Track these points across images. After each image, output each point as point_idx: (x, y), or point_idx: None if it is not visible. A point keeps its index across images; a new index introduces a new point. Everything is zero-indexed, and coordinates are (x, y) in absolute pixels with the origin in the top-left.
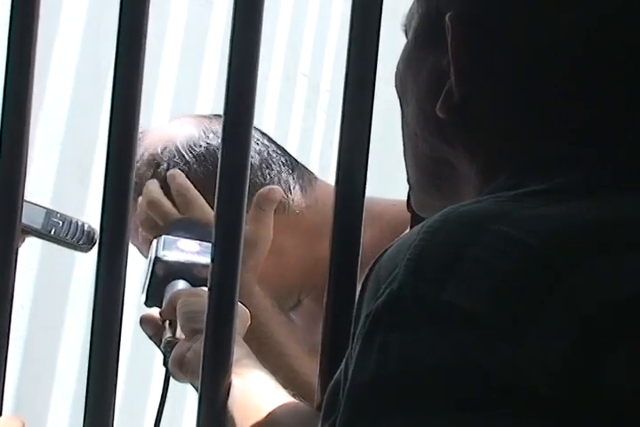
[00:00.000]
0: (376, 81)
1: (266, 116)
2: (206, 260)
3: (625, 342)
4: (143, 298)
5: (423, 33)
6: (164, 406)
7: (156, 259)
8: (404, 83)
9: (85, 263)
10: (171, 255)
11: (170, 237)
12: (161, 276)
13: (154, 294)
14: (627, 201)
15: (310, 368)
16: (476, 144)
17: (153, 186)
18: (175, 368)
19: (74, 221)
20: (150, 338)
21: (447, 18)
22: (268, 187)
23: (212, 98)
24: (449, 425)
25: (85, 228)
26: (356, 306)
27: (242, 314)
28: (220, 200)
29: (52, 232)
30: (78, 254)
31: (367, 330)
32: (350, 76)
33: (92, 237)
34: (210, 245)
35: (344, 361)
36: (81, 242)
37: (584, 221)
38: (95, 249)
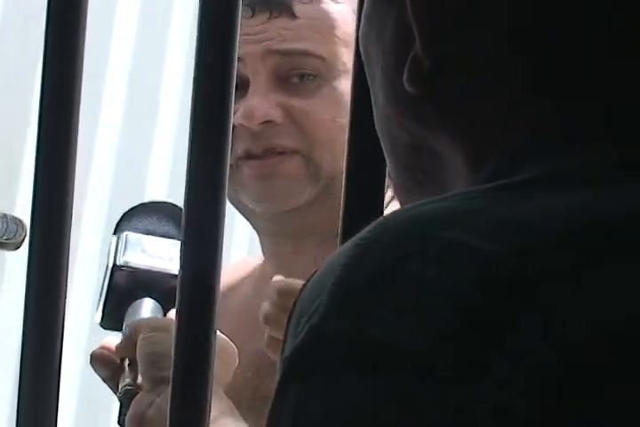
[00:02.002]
0: None
1: None
2: None
3: (613, 384)
4: (98, 317)
5: None
6: None
7: (115, 266)
8: (367, 48)
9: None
10: (135, 260)
11: (134, 234)
12: (121, 288)
13: (111, 313)
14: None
15: None
16: (458, 126)
17: None
18: None
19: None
20: (104, 381)
21: None
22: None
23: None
24: None
25: (9, 220)
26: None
27: (225, 353)
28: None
29: None
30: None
31: (280, 380)
32: None
33: (17, 232)
34: None
35: None
36: (4, 237)
37: (571, 221)
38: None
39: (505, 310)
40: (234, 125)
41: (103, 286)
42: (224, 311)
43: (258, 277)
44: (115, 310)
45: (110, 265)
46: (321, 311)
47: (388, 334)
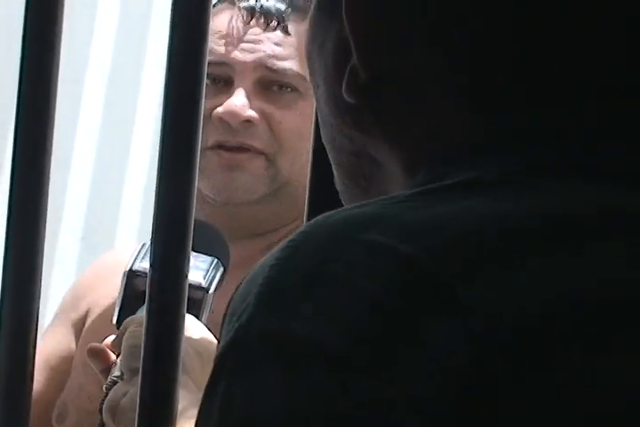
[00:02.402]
0: None
1: None
2: (198, 278)
3: (533, 369)
4: (114, 318)
5: None
6: None
7: (131, 271)
8: (311, 59)
9: None
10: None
11: None
12: (135, 292)
13: (125, 315)
14: (561, 191)
15: None
16: (394, 134)
17: None
18: (107, 417)
19: None
20: (100, 374)
21: None
22: None
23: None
24: None
25: None
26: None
27: (203, 347)
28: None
29: None
30: None
31: (211, 375)
32: None
33: None
34: (208, 257)
35: None
36: None
37: (485, 220)
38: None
39: (416, 307)
40: (207, 117)
41: (120, 289)
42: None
43: None
44: (129, 312)
45: (127, 270)
46: (249, 311)
47: (309, 330)
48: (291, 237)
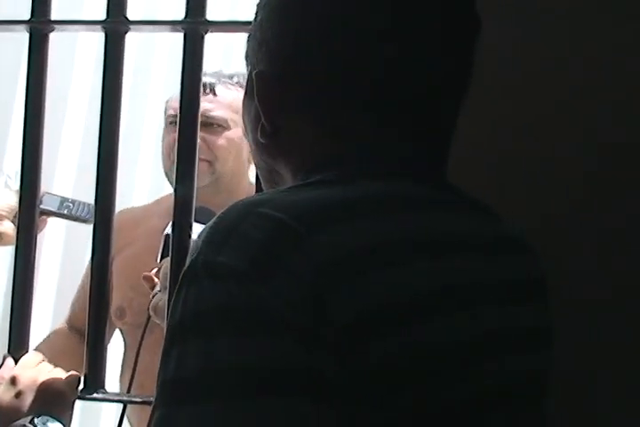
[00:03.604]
0: None
1: None
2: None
3: (347, 284)
4: (158, 259)
5: (248, 84)
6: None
7: (167, 235)
8: (243, 118)
9: None
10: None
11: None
12: (167, 245)
13: (163, 258)
14: (370, 185)
15: None
16: (286, 157)
17: None
18: (152, 312)
19: (82, 202)
20: (149, 289)
21: (253, 75)
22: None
23: None
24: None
25: (91, 207)
26: None
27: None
28: None
29: (66, 212)
30: None
31: (178, 285)
32: None
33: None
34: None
35: None
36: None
37: (326, 200)
38: None
39: (284, 247)
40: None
41: (161, 243)
42: (135, 237)
43: (165, 214)
44: (164, 255)
45: (164, 234)
46: (197, 250)
47: (227, 260)
48: (222, 210)
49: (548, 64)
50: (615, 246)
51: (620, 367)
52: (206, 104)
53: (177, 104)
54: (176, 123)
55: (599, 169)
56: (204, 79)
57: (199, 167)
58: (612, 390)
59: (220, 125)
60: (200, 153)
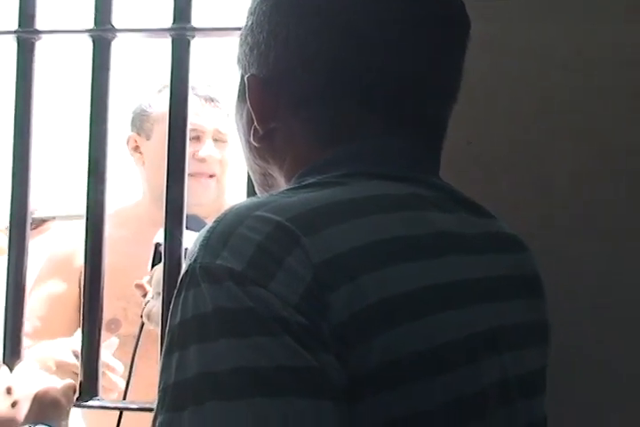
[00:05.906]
0: None
1: None
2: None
3: (345, 284)
4: (148, 267)
5: (239, 88)
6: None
7: (157, 243)
8: (235, 123)
9: None
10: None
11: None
12: (158, 254)
13: (154, 266)
14: (365, 186)
15: None
16: (280, 160)
17: None
18: (145, 319)
19: None
20: (141, 298)
21: (245, 79)
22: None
23: None
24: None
25: None
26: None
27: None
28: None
29: None
30: None
31: (176, 288)
32: None
33: None
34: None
35: None
36: None
37: (322, 201)
38: None
39: (281, 248)
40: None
41: (151, 251)
42: (113, 240)
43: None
44: (155, 263)
45: (155, 242)
46: (195, 254)
47: (224, 262)
48: (218, 214)
49: (549, 64)
50: (615, 246)
51: (620, 367)
52: (218, 120)
53: (193, 119)
54: (198, 138)
55: (599, 169)
56: (215, 94)
57: (207, 183)
58: (613, 389)
59: (223, 141)
60: (211, 168)
